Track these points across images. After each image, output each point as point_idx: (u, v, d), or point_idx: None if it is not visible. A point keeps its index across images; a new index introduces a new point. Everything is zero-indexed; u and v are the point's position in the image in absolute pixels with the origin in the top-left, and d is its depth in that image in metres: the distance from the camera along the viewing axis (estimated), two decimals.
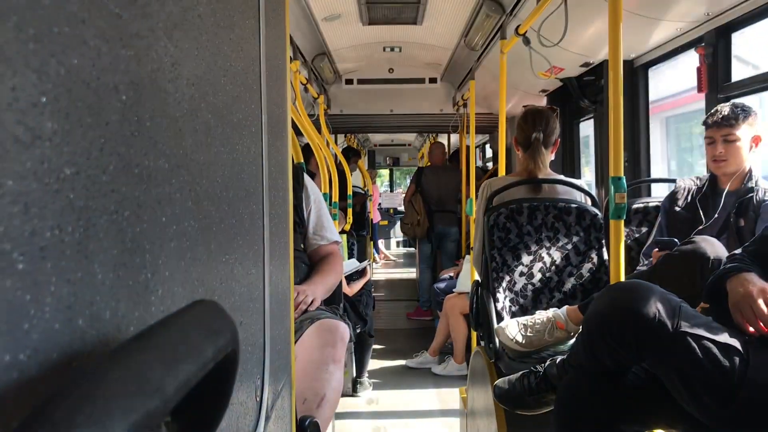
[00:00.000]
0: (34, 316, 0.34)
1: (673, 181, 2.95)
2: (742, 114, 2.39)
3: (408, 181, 17.07)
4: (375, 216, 9.52)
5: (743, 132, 2.39)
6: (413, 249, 8.23)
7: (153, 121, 0.50)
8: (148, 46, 0.50)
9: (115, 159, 0.44)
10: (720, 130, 2.42)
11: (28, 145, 0.34)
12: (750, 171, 2.43)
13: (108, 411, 0.28)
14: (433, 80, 6.08)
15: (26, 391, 0.33)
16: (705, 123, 2.50)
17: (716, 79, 2.83)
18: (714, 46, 2.81)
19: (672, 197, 2.69)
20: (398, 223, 11.60)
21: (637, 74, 3.59)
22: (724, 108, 2.43)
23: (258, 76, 0.90)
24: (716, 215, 2.45)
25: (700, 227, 2.44)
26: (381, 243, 11.69)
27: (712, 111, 2.49)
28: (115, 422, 0.27)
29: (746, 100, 2.77)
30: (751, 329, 1.58)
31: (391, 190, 15.82)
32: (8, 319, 0.32)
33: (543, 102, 5.01)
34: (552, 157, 2.78)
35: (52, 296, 0.36)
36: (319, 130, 4.80)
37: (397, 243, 13.39)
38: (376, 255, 10.38)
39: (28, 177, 0.34)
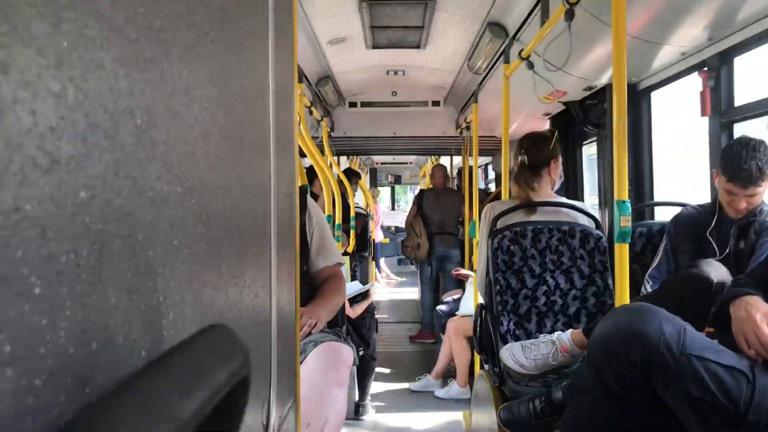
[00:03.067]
0: (50, 340, 0.34)
1: (678, 204, 2.95)
2: (767, 167, 2.32)
3: (408, 195, 17.13)
4: (377, 235, 9.51)
5: (765, 182, 2.36)
6: (415, 267, 8.22)
7: (166, 144, 0.51)
8: (163, 71, 0.50)
9: (129, 183, 0.44)
10: (746, 189, 2.36)
11: (46, 170, 0.34)
12: (761, 202, 2.42)
13: None
14: (436, 103, 6.11)
15: (41, 416, 0.33)
16: (727, 175, 2.39)
17: (719, 103, 2.84)
18: (717, 70, 2.83)
19: (676, 223, 2.69)
20: (399, 241, 11.57)
21: (640, 98, 3.61)
22: (751, 166, 2.31)
23: (267, 99, 0.91)
24: (728, 245, 2.44)
25: (716, 259, 2.39)
26: (383, 261, 11.65)
27: (735, 164, 2.34)
28: None
29: (748, 124, 2.79)
30: (754, 354, 1.57)
31: (393, 208, 15.82)
32: (25, 344, 0.32)
33: (546, 125, 5.03)
34: (553, 178, 2.78)
35: (67, 321, 0.36)
36: (322, 152, 4.82)
37: (399, 261, 13.35)
38: (378, 274, 10.35)
39: (45, 201, 0.34)
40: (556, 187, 2.85)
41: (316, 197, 4.45)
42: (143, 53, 0.46)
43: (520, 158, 2.77)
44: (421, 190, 7.42)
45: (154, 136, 0.48)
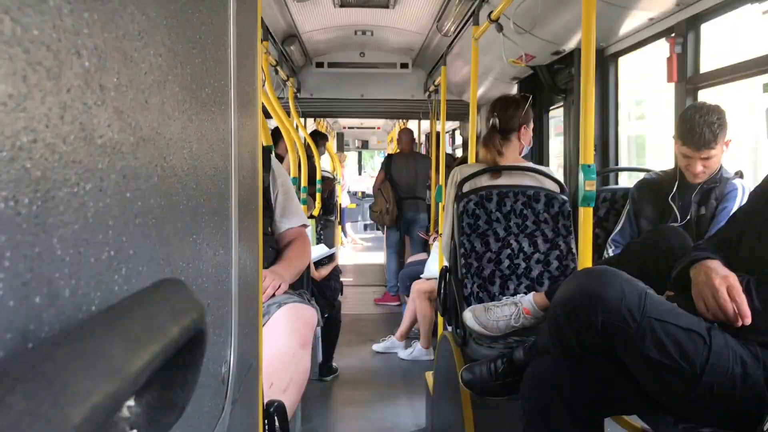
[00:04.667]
0: None
1: (642, 170, 2.99)
2: (719, 131, 2.37)
3: (375, 160, 17.13)
4: (343, 200, 9.49)
5: (719, 145, 2.40)
6: (381, 233, 8.24)
7: (118, 90, 0.48)
8: (114, 11, 0.47)
9: (76, 128, 0.41)
10: (699, 152, 2.40)
11: None
12: (720, 168, 2.46)
13: (67, 393, 0.26)
14: (404, 65, 6.05)
15: None
16: (682, 139, 2.45)
17: (685, 69, 2.86)
18: (684, 36, 2.84)
19: (639, 188, 2.73)
20: (366, 206, 11.58)
21: (607, 63, 3.61)
22: (703, 129, 2.36)
23: (228, 51, 0.87)
24: (689, 211, 2.48)
25: (676, 224, 2.44)
26: (349, 226, 11.65)
27: (688, 127, 2.40)
28: (74, 405, 0.25)
29: (712, 90, 2.82)
30: (712, 317, 1.61)
31: (360, 173, 15.79)
32: None
33: (514, 89, 5.02)
34: (522, 144, 2.78)
35: (6, 272, 0.34)
36: (288, 113, 4.75)
37: (365, 226, 13.36)
38: (344, 239, 10.36)
39: None
40: (524, 152, 2.85)
41: (281, 159, 4.39)
42: None
43: (491, 120, 2.76)
44: (389, 155, 7.39)
45: (104, 80, 0.46)
